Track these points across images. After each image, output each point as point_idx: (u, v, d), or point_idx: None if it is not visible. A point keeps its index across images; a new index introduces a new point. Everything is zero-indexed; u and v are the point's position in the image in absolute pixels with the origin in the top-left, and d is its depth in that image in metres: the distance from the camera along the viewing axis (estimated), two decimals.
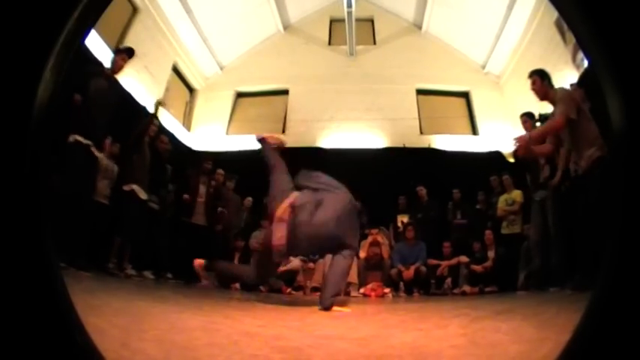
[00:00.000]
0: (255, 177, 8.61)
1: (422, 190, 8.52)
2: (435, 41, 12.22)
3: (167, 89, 10.22)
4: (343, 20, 11.24)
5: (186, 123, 11.56)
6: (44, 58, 0.76)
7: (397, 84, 11.62)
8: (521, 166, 6.11)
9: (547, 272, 5.21)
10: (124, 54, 5.46)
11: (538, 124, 5.80)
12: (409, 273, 6.99)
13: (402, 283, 7.00)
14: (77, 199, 4.69)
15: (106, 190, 5.66)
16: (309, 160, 9.74)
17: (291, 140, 10.96)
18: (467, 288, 6.75)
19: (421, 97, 11.80)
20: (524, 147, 4.35)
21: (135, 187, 5.63)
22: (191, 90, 11.99)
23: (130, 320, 1.88)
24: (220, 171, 7.89)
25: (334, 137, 11.12)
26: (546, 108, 5.13)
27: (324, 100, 11.58)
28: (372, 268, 7.20)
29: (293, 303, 4.41)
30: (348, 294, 6.66)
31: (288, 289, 6.71)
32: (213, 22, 10.89)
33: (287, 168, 3.89)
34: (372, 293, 6.46)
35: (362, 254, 7.37)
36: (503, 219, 7.02)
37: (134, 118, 6.31)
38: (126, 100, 7.42)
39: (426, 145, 10.78)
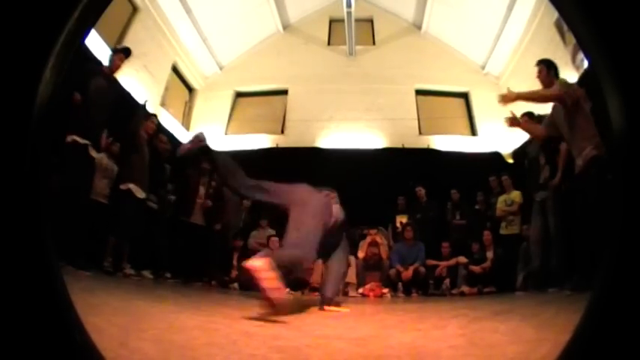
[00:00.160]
0: (254, 176, 8.67)
1: (421, 191, 8.52)
2: (435, 41, 12.21)
3: (166, 89, 10.22)
4: (343, 20, 11.22)
5: (186, 122, 11.54)
6: (44, 58, 0.76)
7: (396, 84, 11.61)
8: (521, 167, 6.11)
9: (546, 273, 5.21)
10: (121, 53, 5.50)
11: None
12: (408, 273, 7.00)
13: (400, 284, 7.01)
14: (74, 198, 4.68)
15: (106, 190, 5.65)
16: (308, 160, 9.80)
17: (291, 140, 11.03)
18: (465, 288, 6.75)
19: (420, 97, 11.79)
20: (513, 118, 4.81)
21: (131, 185, 5.60)
22: (190, 90, 11.97)
23: (128, 319, 1.88)
24: None
25: (333, 137, 11.11)
26: (546, 109, 5.14)
27: (324, 100, 11.57)
28: (371, 268, 7.20)
29: (292, 303, 4.40)
30: (346, 294, 6.67)
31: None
32: (213, 22, 10.87)
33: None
34: (371, 293, 6.47)
35: (360, 254, 7.38)
36: (502, 219, 7.02)
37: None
38: (125, 99, 7.40)
39: (425, 146, 10.78)
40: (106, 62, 5.42)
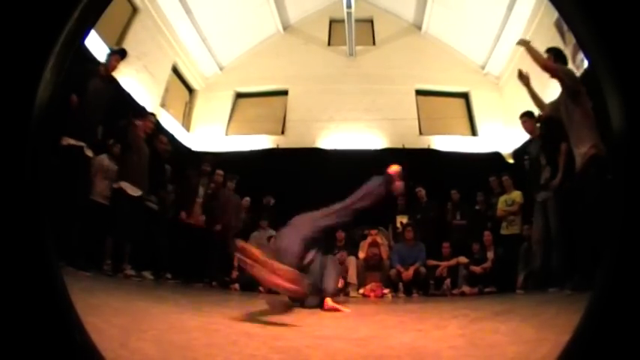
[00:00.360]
0: (255, 177, 8.68)
1: (421, 191, 8.51)
2: (435, 42, 12.21)
3: (166, 89, 10.23)
4: (343, 21, 11.22)
5: (186, 123, 11.54)
6: (44, 58, 0.76)
7: (396, 84, 11.61)
8: (521, 167, 6.11)
9: (547, 273, 5.21)
10: (117, 55, 5.54)
11: (537, 124, 5.80)
12: (408, 274, 6.99)
13: (401, 284, 7.00)
14: (72, 199, 4.67)
15: (106, 191, 5.63)
16: (308, 161, 9.80)
17: (291, 141, 11.02)
18: (466, 289, 6.75)
19: (420, 97, 11.79)
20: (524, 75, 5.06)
21: (123, 183, 5.55)
22: (190, 90, 11.97)
23: (129, 320, 1.88)
24: (220, 172, 7.89)
25: (333, 138, 11.11)
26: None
27: (324, 101, 11.58)
28: (371, 268, 7.20)
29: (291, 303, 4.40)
30: (347, 294, 6.67)
31: None
32: (213, 23, 10.88)
33: None
34: (371, 294, 6.47)
35: (361, 255, 7.38)
36: (502, 220, 7.02)
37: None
38: (121, 99, 7.40)
39: (425, 146, 10.77)
40: (102, 63, 5.43)
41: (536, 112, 5.78)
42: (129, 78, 8.27)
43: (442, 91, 12.06)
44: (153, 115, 6.42)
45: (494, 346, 1.56)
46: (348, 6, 10.41)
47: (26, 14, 0.73)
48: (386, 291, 6.61)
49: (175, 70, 10.92)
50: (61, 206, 4.40)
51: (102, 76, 5.29)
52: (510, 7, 9.71)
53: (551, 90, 4.99)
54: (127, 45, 8.40)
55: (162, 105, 9.97)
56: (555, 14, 7.57)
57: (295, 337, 1.74)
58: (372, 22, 12.86)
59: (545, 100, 5.08)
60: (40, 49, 0.75)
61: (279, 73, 12.06)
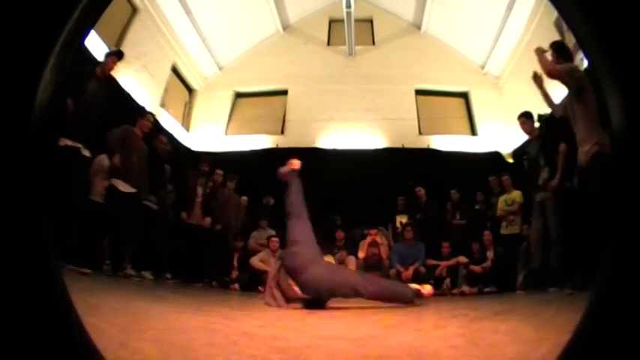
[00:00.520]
0: (254, 177, 8.67)
1: (421, 191, 8.51)
2: (434, 41, 12.22)
3: (166, 89, 10.22)
4: (342, 20, 11.23)
5: (186, 123, 11.54)
6: (44, 58, 0.76)
7: (396, 84, 11.62)
8: (521, 167, 6.11)
9: (546, 273, 5.21)
10: (113, 56, 5.55)
11: (537, 124, 5.80)
12: (408, 273, 7.00)
13: None
14: (69, 200, 4.66)
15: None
16: (308, 161, 9.79)
17: (290, 141, 11.02)
18: (466, 288, 6.75)
19: (420, 97, 11.80)
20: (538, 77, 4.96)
21: (114, 180, 5.49)
22: (190, 90, 11.97)
23: (128, 320, 1.88)
24: (219, 171, 7.88)
25: (333, 137, 11.11)
26: (545, 109, 5.14)
27: (323, 101, 11.58)
28: (371, 268, 7.20)
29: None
30: None
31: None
32: (213, 23, 10.87)
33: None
34: None
35: (361, 255, 7.38)
36: (502, 219, 7.02)
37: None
38: (121, 100, 7.41)
39: (425, 146, 10.78)
40: (99, 64, 5.43)
41: (535, 112, 5.78)
42: (128, 78, 8.27)
43: (442, 91, 12.07)
44: (151, 114, 6.39)
45: (494, 346, 1.56)
46: (348, 6, 10.41)
47: (26, 14, 0.73)
48: None
49: (175, 70, 10.92)
50: (59, 207, 4.39)
51: (98, 77, 5.30)
52: (510, 7, 9.72)
53: (556, 89, 4.98)
54: (126, 45, 8.41)
55: (162, 105, 9.97)
56: (555, 14, 7.58)
57: (295, 337, 1.74)
58: (371, 21, 12.86)
59: (550, 95, 5.07)
60: (40, 49, 0.75)
61: (278, 73, 12.07)
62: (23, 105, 0.74)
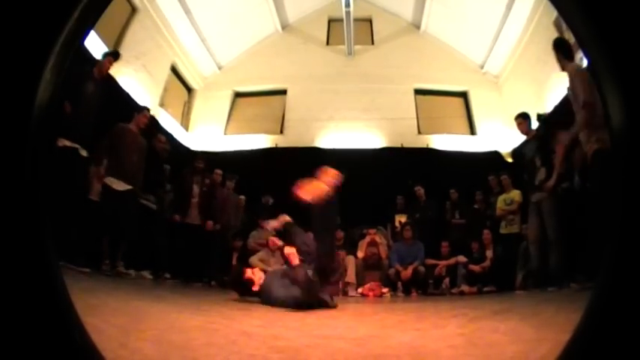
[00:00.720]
0: (253, 176, 8.67)
1: (420, 190, 8.51)
2: (434, 41, 12.22)
3: (165, 89, 10.21)
4: (341, 20, 11.23)
5: (185, 123, 11.53)
6: (44, 58, 0.75)
7: (395, 84, 11.62)
8: (520, 166, 6.11)
9: (545, 272, 5.22)
10: (110, 56, 5.59)
11: (537, 124, 5.81)
12: (407, 273, 7.00)
13: (400, 283, 7.01)
14: (68, 200, 4.66)
15: None
16: (307, 160, 9.80)
17: (290, 140, 11.02)
18: (465, 288, 6.75)
19: (419, 96, 11.80)
20: None
21: (108, 179, 5.47)
22: (189, 90, 11.96)
23: (128, 320, 1.88)
24: (219, 171, 7.88)
25: (332, 137, 11.11)
26: (544, 109, 5.15)
27: (322, 100, 11.57)
28: (370, 268, 7.21)
29: None
30: (346, 294, 6.67)
31: None
32: (212, 22, 10.87)
33: None
34: (370, 293, 6.47)
35: (360, 254, 7.38)
36: (501, 219, 7.03)
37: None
38: (120, 100, 7.40)
39: (424, 145, 10.78)
40: (96, 65, 5.45)
41: (534, 111, 5.79)
42: (127, 77, 8.26)
43: (441, 90, 12.07)
44: (146, 109, 6.36)
45: (493, 346, 1.56)
46: (347, 5, 10.41)
47: (26, 14, 0.73)
48: (385, 290, 6.62)
49: (174, 70, 10.91)
50: (59, 206, 4.38)
51: (95, 78, 5.32)
52: (509, 6, 9.72)
53: (554, 85, 4.97)
54: (125, 44, 8.41)
55: (161, 104, 9.96)
56: (554, 13, 7.58)
57: (294, 337, 1.74)
58: (370, 21, 12.86)
59: (549, 94, 5.05)
60: (40, 49, 0.75)
61: (277, 73, 12.06)
62: (23, 105, 0.74)
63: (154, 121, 8.45)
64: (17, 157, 0.73)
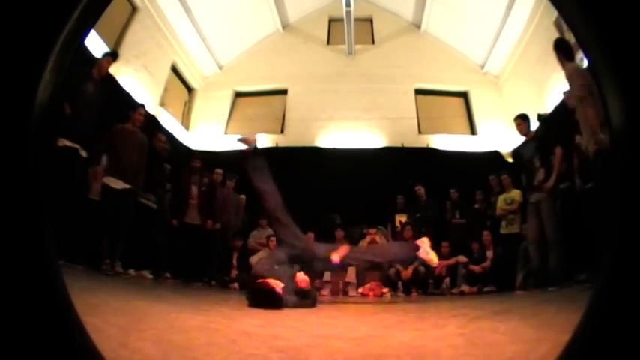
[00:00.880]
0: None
1: (420, 190, 8.50)
2: (434, 41, 12.21)
3: (166, 88, 10.21)
4: (342, 20, 11.22)
5: (185, 122, 11.53)
6: (44, 58, 0.76)
7: (396, 84, 11.61)
8: (520, 166, 6.11)
9: (545, 272, 5.22)
10: (109, 57, 5.61)
11: (537, 124, 5.81)
12: (407, 273, 7.00)
13: (400, 283, 7.01)
14: (68, 200, 4.66)
15: None
16: (307, 160, 9.81)
17: (290, 140, 11.02)
18: (465, 288, 6.75)
19: (420, 96, 11.79)
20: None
21: (106, 179, 5.48)
22: (190, 89, 11.96)
23: (128, 319, 1.88)
24: (219, 170, 7.87)
25: (333, 137, 11.10)
26: (544, 109, 5.15)
27: (323, 100, 11.57)
28: (371, 267, 7.20)
29: None
30: (346, 294, 6.67)
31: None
32: (212, 22, 10.86)
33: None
34: (371, 293, 6.47)
35: None
36: (502, 219, 7.02)
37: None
38: (121, 100, 7.39)
39: (424, 145, 10.77)
40: (95, 65, 5.45)
41: (534, 112, 5.79)
42: (128, 77, 8.26)
43: (441, 90, 12.06)
44: (141, 106, 6.34)
45: (493, 345, 1.56)
46: (348, 5, 10.41)
47: (26, 14, 0.73)
48: (385, 290, 6.62)
49: (174, 69, 10.91)
50: (58, 206, 4.38)
51: (94, 79, 5.33)
52: (510, 7, 9.71)
53: (555, 85, 4.96)
54: (126, 44, 8.41)
55: (162, 104, 9.96)
56: (555, 13, 7.58)
57: (295, 337, 1.74)
58: (371, 21, 12.85)
59: (549, 95, 5.05)
60: (40, 49, 0.75)
61: (278, 72, 12.06)
62: (23, 105, 0.74)
63: (154, 121, 8.45)
64: (17, 156, 0.73)
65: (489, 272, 6.72)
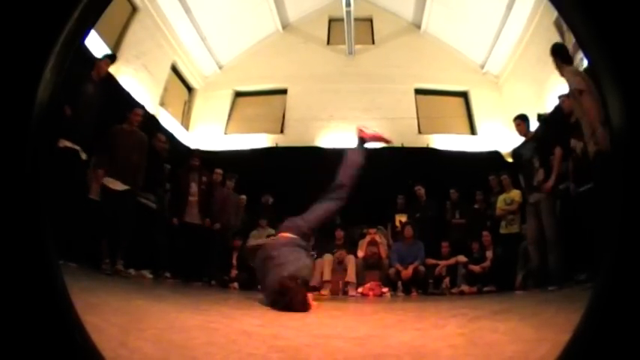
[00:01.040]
0: (254, 176, 8.67)
1: (420, 190, 8.50)
2: (434, 41, 12.21)
3: (165, 88, 10.21)
4: (342, 19, 11.22)
5: (185, 122, 11.53)
6: (44, 58, 0.76)
7: (396, 83, 11.61)
8: (520, 166, 6.12)
9: (545, 272, 5.23)
10: (107, 59, 5.64)
11: (537, 124, 5.81)
12: (407, 272, 7.00)
13: (400, 283, 7.00)
14: (68, 200, 4.66)
15: None
16: (307, 160, 9.80)
17: (290, 140, 11.02)
18: (465, 288, 6.75)
19: (420, 96, 11.79)
20: None
21: (106, 179, 5.49)
22: (190, 89, 11.96)
23: (128, 319, 1.88)
24: (219, 170, 7.87)
25: (333, 136, 11.10)
26: (544, 109, 5.15)
27: (323, 100, 11.57)
28: (370, 267, 7.20)
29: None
30: (346, 293, 6.67)
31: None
32: (212, 22, 10.86)
33: None
34: (370, 293, 6.46)
35: (360, 254, 7.37)
36: (501, 219, 7.02)
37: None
38: (120, 100, 7.39)
39: (424, 145, 10.77)
40: (94, 67, 5.47)
41: (534, 112, 5.79)
42: (128, 77, 8.26)
43: (441, 90, 12.06)
44: (139, 106, 6.35)
45: (493, 345, 1.56)
46: (348, 5, 10.41)
47: (26, 14, 0.73)
48: (385, 290, 6.61)
49: (174, 69, 10.91)
50: (58, 206, 4.39)
51: (93, 80, 5.35)
52: (510, 6, 9.72)
53: (555, 85, 4.97)
54: (126, 44, 8.42)
55: (162, 104, 9.96)
56: (555, 13, 7.58)
57: (294, 336, 1.74)
58: (371, 21, 12.85)
59: (549, 95, 5.06)
60: (40, 49, 0.75)
61: (278, 72, 12.06)
62: (23, 105, 0.74)
63: (153, 120, 8.45)
64: (17, 157, 0.73)
65: (489, 272, 6.72)
